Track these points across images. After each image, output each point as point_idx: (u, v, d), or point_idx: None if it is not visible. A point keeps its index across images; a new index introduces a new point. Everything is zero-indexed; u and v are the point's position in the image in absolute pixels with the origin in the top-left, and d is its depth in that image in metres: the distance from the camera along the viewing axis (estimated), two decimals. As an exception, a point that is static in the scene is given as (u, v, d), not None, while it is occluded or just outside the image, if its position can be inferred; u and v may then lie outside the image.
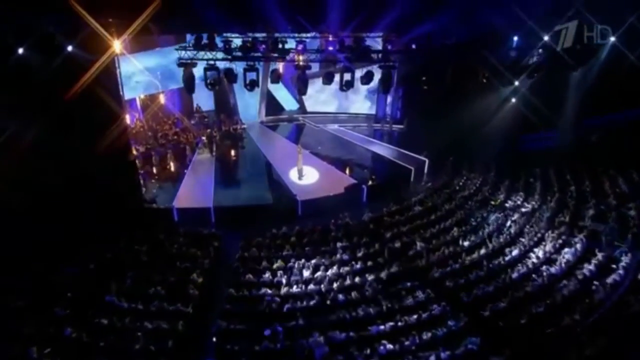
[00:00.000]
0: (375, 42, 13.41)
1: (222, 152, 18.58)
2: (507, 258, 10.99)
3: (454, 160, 16.80)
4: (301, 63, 12.96)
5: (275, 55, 12.41)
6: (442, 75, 12.44)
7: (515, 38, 12.43)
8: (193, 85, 13.28)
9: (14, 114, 9.85)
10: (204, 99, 21.42)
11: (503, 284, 9.91)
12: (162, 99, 19.87)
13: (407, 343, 8.09)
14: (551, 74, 13.61)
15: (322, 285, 10.03)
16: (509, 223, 12.71)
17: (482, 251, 11.33)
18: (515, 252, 11.18)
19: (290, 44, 12.67)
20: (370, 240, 12.10)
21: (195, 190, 15.16)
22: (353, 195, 15.20)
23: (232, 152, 18.77)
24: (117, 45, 11.37)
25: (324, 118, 23.19)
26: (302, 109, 23.95)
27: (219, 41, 12.41)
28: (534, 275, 10.12)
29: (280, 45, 12.15)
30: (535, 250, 11.18)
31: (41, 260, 9.95)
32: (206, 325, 8.98)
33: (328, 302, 9.44)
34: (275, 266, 10.86)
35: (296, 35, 12.64)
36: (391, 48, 12.77)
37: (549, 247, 11.25)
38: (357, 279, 10.26)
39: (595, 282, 9.41)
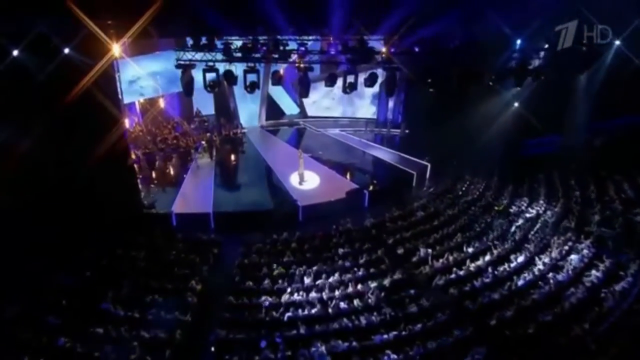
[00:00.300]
0: (379, 45, 13.23)
1: (222, 157, 18.45)
2: (512, 265, 10.79)
3: (457, 165, 16.61)
4: (302, 65, 12.74)
5: (276, 56, 12.20)
6: (446, 79, 12.27)
7: (519, 41, 12.28)
8: (192, 88, 13.10)
9: (10, 117, 9.73)
10: (204, 103, 21.34)
11: (509, 291, 9.69)
12: (161, 103, 19.78)
13: (411, 353, 7.87)
14: (555, 78, 13.46)
15: (324, 293, 9.81)
16: (513, 229, 12.52)
17: (487, 258, 11.12)
18: (520, 259, 10.97)
19: (292, 45, 12.50)
20: (373, 246, 11.89)
21: (194, 195, 15.00)
22: (354, 201, 15.03)
23: (232, 157, 18.64)
24: (116, 48, 11.23)
25: (325, 122, 23.08)
26: (303, 113, 23.85)
27: (218, 42, 12.22)
28: (540, 283, 9.90)
29: (281, 47, 11.95)
30: (541, 256, 10.97)
31: (36, 266, 9.72)
32: (205, 334, 8.73)
33: (330, 310, 9.21)
34: (275, 273, 10.64)
35: (298, 38, 12.48)
36: (394, 51, 12.61)
37: (555, 253, 11.04)
38: (359, 286, 10.04)
39: (604, 290, 9.20)
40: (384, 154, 18.89)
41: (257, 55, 12.27)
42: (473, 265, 10.85)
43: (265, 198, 15.15)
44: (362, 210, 14.68)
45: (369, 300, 9.53)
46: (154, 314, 8.87)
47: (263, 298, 9.57)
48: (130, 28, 10.67)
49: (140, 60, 17.24)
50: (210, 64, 12.54)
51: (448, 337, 8.27)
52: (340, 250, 11.66)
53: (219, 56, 12.41)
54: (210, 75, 12.69)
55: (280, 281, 10.31)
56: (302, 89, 13.72)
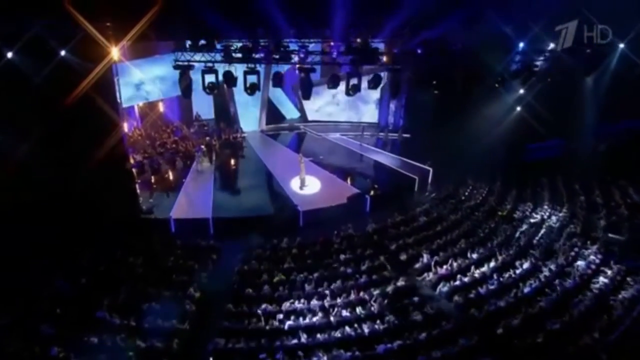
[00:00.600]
0: (382, 47, 13.10)
1: (221, 161, 18.27)
2: (518, 271, 10.58)
3: (459, 169, 16.43)
4: (304, 66, 12.54)
5: (277, 56, 11.98)
6: (451, 80, 12.14)
7: (522, 44, 12.18)
8: (190, 90, 12.90)
9: (5, 120, 9.56)
10: (203, 107, 21.26)
11: (515, 298, 9.47)
12: (161, 107, 19.64)
13: (416, 363, 7.63)
14: (560, 80, 13.35)
15: (326, 300, 9.58)
16: (517, 234, 12.32)
17: (492, 264, 10.90)
18: (526, 265, 10.76)
19: (293, 47, 12.31)
20: (375, 253, 11.67)
21: (193, 200, 14.79)
22: (356, 206, 14.82)
23: (232, 161, 18.47)
24: (115, 52, 11.10)
25: (325, 127, 22.93)
26: (303, 118, 23.71)
27: (218, 44, 12.04)
28: (547, 290, 9.68)
29: (282, 48, 11.75)
30: (547, 262, 10.76)
31: (30, 272, 9.50)
32: (203, 343, 8.47)
33: (332, 318, 8.97)
34: (276, 280, 10.40)
35: (299, 41, 12.32)
36: (396, 52, 12.46)
37: (561, 259, 10.84)
38: (361, 294, 9.80)
39: (613, 298, 8.98)
40: (385, 158, 18.72)
41: (257, 55, 12.05)
42: (478, 271, 10.62)
43: (266, 203, 14.95)
44: (363, 215, 14.47)
45: (372, 308, 9.31)
46: (150, 322, 8.63)
47: (263, 306, 9.34)
48: (129, 31, 10.56)
49: (142, 64, 17.13)
50: (210, 65, 12.31)
51: (453, 347, 8.04)
52: (342, 257, 11.44)
53: (218, 57, 12.19)
54: (209, 77, 12.46)
55: (280, 288, 10.08)
56: (304, 91, 13.52)
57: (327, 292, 9.89)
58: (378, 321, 8.81)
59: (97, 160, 10.94)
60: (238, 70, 12.85)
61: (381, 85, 14.15)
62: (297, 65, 12.79)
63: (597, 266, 10.36)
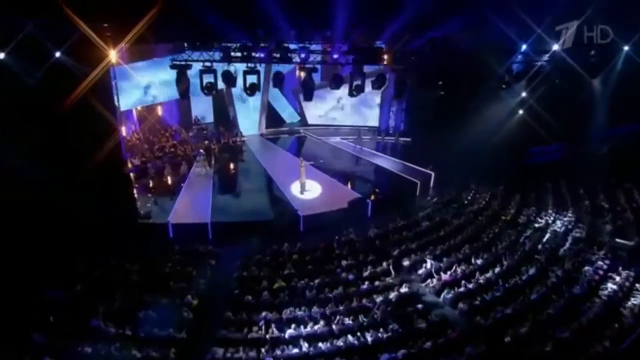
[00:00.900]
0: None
1: (221, 166, 18.06)
2: (523, 277, 10.34)
3: (461, 173, 16.24)
4: (306, 66, 12.33)
5: (277, 55, 11.75)
6: (454, 82, 12.00)
7: (524, 46, 12.05)
8: (187, 91, 12.66)
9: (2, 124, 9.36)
10: (202, 111, 21.08)
11: (522, 305, 9.22)
12: (159, 110, 19.46)
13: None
14: (561, 84, 13.22)
15: (327, 308, 9.31)
16: (522, 239, 12.10)
17: (497, 269, 10.67)
18: (532, 271, 10.53)
19: (294, 47, 12.12)
20: (377, 258, 11.42)
21: (192, 205, 14.55)
22: (357, 210, 14.59)
23: (231, 166, 18.26)
24: (113, 54, 10.92)
25: (325, 130, 22.78)
26: (303, 121, 23.57)
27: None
28: (554, 296, 9.45)
29: (283, 48, 11.55)
30: (554, 268, 10.53)
31: (23, 279, 9.24)
32: (201, 353, 8.21)
33: (334, 326, 8.71)
34: (276, 286, 10.14)
35: (300, 43, 12.15)
36: (398, 53, 12.30)
37: (567, 265, 10.62)
38: (364, 301, 9.55)
39: (623, 304, 8.75)
40: (387, 162, 18.55)
41: (258, 55, 11.79)
42: (482, 277, 10.40)
43: (265, 208, 14.72)
44: (365, 220, 14.25)
45: (375, 316, 9.06)
46: (146, 331, 8.38)
47: (263, 313, 9.08)
48: (128, 33, 10.39)
49: (143, 68, 16.93)
50: (208, 64, 12.02)
51: (460, 356, 7.79)
52: (344, 262, 11.20)
53: (217, 56, 11.93)
54: (208, 77, 12.20)
55: (281, 295, 9.83)
56: (306, 92, 13.32)
57: (328, 298, 9.62)
58: (381, 329, 8.57)
59: (94, 165, 10.75)
60: (238, 70, 12.63)
61: (385, 86, 13.92)
62: (298, 66, 12.59)
63: (605, 272, 10.14)
